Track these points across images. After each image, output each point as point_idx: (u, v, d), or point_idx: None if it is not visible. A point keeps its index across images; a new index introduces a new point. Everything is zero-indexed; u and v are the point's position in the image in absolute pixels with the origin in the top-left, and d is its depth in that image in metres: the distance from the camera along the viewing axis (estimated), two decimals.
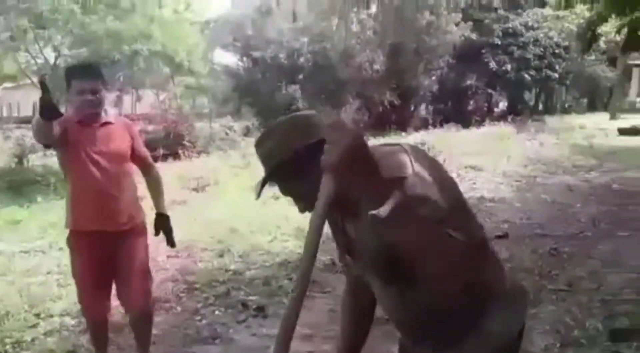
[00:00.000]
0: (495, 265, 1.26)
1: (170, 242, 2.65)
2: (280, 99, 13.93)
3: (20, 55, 13.93)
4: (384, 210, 1.00)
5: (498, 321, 1.20)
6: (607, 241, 4.80)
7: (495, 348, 1.20)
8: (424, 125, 15.76)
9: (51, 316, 3.29)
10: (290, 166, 1.18)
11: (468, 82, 17.74)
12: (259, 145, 1.25)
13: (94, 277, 2.43)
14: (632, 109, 23.17)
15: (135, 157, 2.55)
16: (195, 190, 7.83)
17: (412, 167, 1.07)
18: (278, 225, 5.55)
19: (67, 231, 2.48)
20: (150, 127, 12.11)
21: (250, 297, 3.67)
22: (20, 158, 9.33)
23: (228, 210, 6.42)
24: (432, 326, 1.21)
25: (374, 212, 1.01)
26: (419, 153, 1.14)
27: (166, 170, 8.28)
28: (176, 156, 10.67)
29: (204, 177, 8.16)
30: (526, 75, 17.97)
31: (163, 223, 2.61)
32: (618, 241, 4.79)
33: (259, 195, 1.26)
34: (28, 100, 15.53)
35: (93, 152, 2.36)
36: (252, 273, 4.19)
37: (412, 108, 17.65)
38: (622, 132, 13.68)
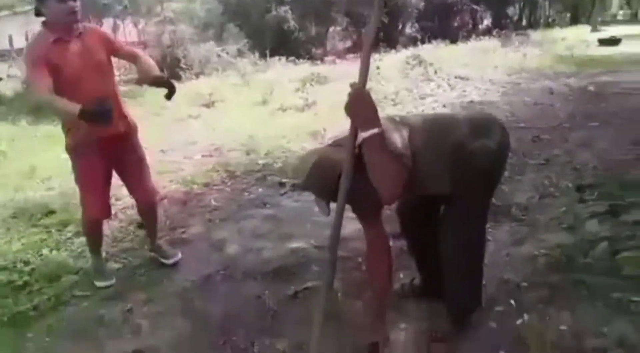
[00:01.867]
0: None
1: (170, 96, 2.53)
2: (271, 20, 14.03)
3: None
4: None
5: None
6: (581, 130, 5.55)
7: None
8: (413, 42, 16.09)
9: None
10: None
11: None
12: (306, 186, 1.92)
13: (101, 180, 2.58)
14: (613, 21, 23.56)
15: (123, 55, 2.61)
16: (206, 105, 8.36)
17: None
18: (291, 130, 6.18)
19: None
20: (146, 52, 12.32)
21: (284, 180, 4.40)
22: None
23: (241, 121, 7.04)
24: None
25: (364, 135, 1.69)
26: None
27: None
28: (177, 78, 11.02)
29: (212, 94, 8.64)
30: None
31: (166, 82, 2.52)
32: (590, 129, 5.55)
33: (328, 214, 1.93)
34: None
35: (79, 68, 2.34)
36: (279, 165, 4.88)
37: (400, 26, 17.85)
38: (602, 42, 14.23)
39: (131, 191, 2.81)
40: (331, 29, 16.45)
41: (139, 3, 13.77)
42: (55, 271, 2.86)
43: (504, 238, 3.05)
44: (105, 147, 2.51)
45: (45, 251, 3.12)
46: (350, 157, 1.74)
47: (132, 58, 2.60)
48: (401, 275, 2.64)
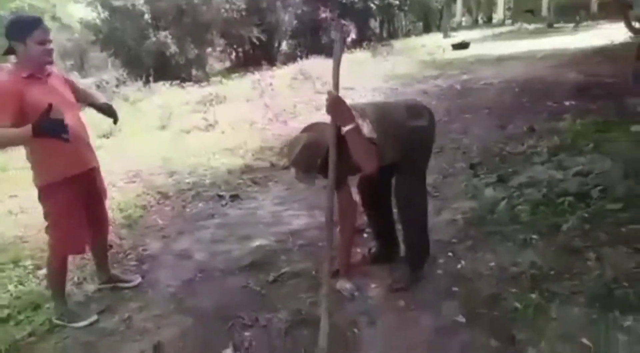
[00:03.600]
0: None
1: (115, 122, 2.82)
2: (151, 46, 13.93)
3: None
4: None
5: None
6: (457, 121, 6.57)
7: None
8: (292, 58, 16.91)
9: None
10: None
11: (322, 14, 19.11)
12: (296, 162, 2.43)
13: (76, 215, 2.60)
14: (459, 28, 26.77)
15: (78, 92, 2.73)
16: (105, 136, 8.21)
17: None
18: (204, 149, 6.43)
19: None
20: None
21: (220, 192, 4.72)
22: None
23: (147, 146, 7.09)
24: None
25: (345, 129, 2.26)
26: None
27: None
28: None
29: (106, 125, 8.47)
30: (371, 4, 19.86)
31: (111, 109, 2.78)
32: (465, 120, 6.59)
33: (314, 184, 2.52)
34: None
35: (56, 103, 2.33)
36: (207, 181, 5.16)
37: (277, 44, 18.65)
38: (455, 46, 16.25)
39: (93, 223, 2.79)
40: (208, 50, 16.68)
41: None
42: (34, 300, 2.92)
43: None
44: (78, 182, 2.58)
45: (10, 287, 3.14)
46: (334, 145, 2.27)
47: (85, 92, 2.81)
48: (358, 250, 3.15)
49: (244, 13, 16.23)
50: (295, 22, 18.53)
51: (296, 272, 3.02)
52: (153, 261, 3.39)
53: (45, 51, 2.44)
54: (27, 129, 2.22)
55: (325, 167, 2.37)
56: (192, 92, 11.94)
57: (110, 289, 3.04)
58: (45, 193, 2.54)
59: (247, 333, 2.46)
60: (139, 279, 3.11)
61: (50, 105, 2.23)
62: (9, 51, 2.48)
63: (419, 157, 2.62)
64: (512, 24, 25.07)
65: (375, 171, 2.41)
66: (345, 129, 2.27)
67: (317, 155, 2.38)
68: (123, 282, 3.07)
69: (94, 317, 2.72)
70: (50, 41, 2.47)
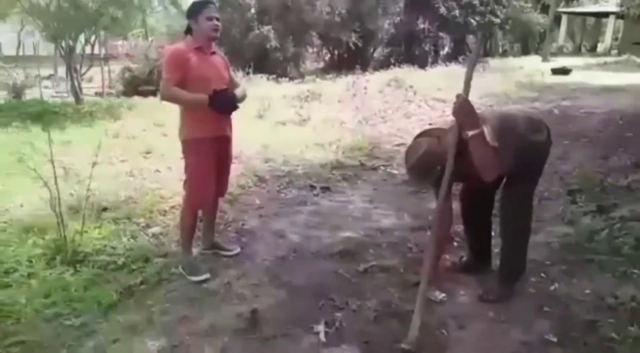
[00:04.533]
0: None
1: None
2: (255, 38, 14.56)
3: None
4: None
5: None
6: (556, 147, 6.29)
7: None
8: (384, 65, 17.00)
9: None
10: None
11: (420, 26, 19.04)
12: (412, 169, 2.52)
13: (210, 174, 2.95)
14: (560, 53, 25.60)
15: (230, 81, 3.05)
16: None
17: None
18: (297, 142, 6.66)
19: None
20: (133, 66, 12.61)
21: (312, 183, 4.90)
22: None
23: (248, 133, 7.39)
24: None
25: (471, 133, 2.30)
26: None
27: (155, 105, 9.06)
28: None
29: None
30: (472, 20, 19.50)
31: (243, 99, 3.04)
32: (564, 146, 6.35)
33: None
34: None
35: (211, 74, 2.84)
36: (300, 172, 5.37)
37: (372, 50, 18.82)
38: (555, 71, 15.60)
39: (217, 186, 3.08)
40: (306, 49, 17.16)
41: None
42: (145, 254, 3.23)
43: None
44: (215, 145, 2.93)
45: (124, 239, 3.48)
46: (453, 151, 2.33)
47: (233, 79, 3.12)
48: (447, 257, 3.19)
49: (345, 17, 16.53)
50: (392, 30, 18.59)
51: (385, 267, 3.12)
52: (251, 236, 3.62)
53: (212, 26, 2.82)
54: (204, 98, 2.75)
55: (440, 174, 2.42)
56: (288, 87, 12.34)
57: (211, 255, 3.29)
58: (189, 146, 2.91)
59: (338, 314, 2.59)
60: (239, 249, 3.35)
61: (226, 89, 2.82)
62: (188, 30, 2.90)
63: (532, 173, 2.62)
64: (619, 54, 23.62)
65: (492, 181, 2.44)
66: (470, 133, 2.31)
67: (437, 163, 2.43)
68: (224, 250, 3.32)
69: (208, 275, 2.98)
70: (217, 18, 2.85)
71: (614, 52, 25.25)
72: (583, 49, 30.15)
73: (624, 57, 21.62)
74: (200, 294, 2.82)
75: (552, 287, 2.87)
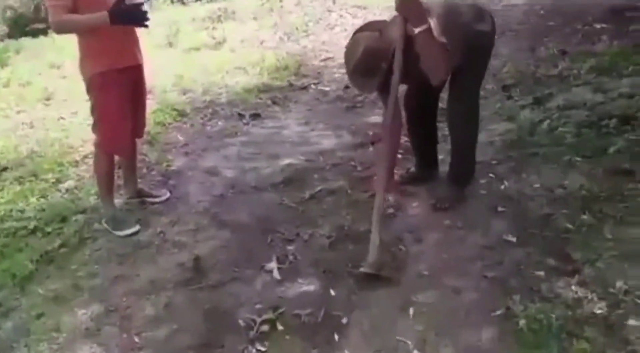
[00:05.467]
0: None
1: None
2: None
3: None
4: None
5: None
6: None
7: None
8: None
9: None
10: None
11: None
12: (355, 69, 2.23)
13: (122, 112, 2.55)
14: None
15: None
16: None
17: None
18: (215, 68, 6.12)
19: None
20: (14, 3, 11.01)
21: (239, 111, 4.52)
22: None
23: (157, 64, 6.71)
24: None
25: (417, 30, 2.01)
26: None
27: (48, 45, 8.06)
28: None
29: None
30: None
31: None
32: None
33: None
34: None
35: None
36: (224, 100, 4.94)
37: None
38: None
39: (133, 125, 2.70)
40: None
41: None
42: (60, 213, 2.83)
43: None
44: (125, 77, 2.51)
45: (32, 199, 3.03)
46: (400, 48, 2.06)
47: None
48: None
49: None
50: None
51: (331, 190, 2.92)
52: (179, 177, 3.27)
53: None
54: (104, 15, 2.25)
55: (387, 74, 2.17)
56: (196, 8, 11.32)
57: (138, 203, 2.94)
58: (95, 83, 2.47)
59: (289, 248, 2.39)
60: (168, 194, 3.01)
61: None
62: None
63: (480, 65, 2.43)
64: None
65: (443, 81, 2.21)
66: (417, 30, 2.03)
67: (381, 60, 2.17)
68: (151, 196, 2.97)
69: (137, 227, 2.65)
70: None
71: None
72: None
73: None
74: (132, 249, 2.51)
75: (502, 186, 2.80)
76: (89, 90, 2.52)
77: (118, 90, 2.49)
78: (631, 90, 3.72)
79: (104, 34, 2.35)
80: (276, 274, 2.22)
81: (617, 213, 2.42)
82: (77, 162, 3.52)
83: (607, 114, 3.40)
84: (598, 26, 6.25)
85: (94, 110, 2.55)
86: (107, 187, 2.70)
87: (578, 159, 2.98)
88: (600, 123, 3.31)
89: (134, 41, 2.58)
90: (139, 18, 2.34)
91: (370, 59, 2.18)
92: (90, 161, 3.44)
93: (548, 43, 5.67)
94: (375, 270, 2.10)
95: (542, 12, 7.63)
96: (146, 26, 2.38)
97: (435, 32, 2.08)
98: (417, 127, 2.73)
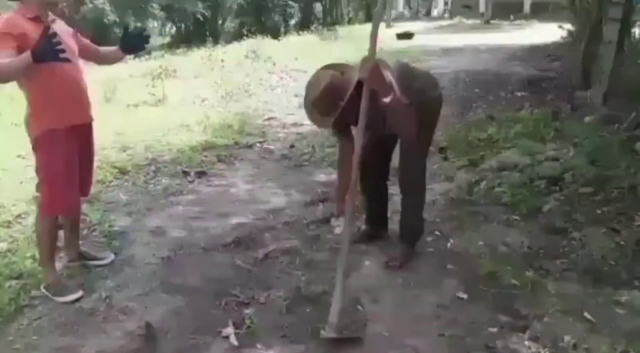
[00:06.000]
0: None
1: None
2: (89, 13, 12.95)
3: None
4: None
5: None
6: None
7: None
8: (237, 36, 16.42)
9: None
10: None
11: None
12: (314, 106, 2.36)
13: (73, 171, 2.44)
14: (401, 18, 27.25)
15: (84, 46, 2.55)
16: None
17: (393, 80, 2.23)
18: (157, 125, 6.04)
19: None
20: None
21: (183, 169, 4.45)
22: None
23: (95, 120, 6.58)
24: None
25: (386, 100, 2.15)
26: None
27: None
28: None
29: None
30: None
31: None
32: None
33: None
34: None
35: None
36: (167, 158, 4.85)
37: (221, 21, 18.03)
38: (399, 36, 16.48)
39: (80, 185, 2.56)
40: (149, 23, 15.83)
41: None
42: None
43: None
44: (74, 136, 2.41)
45: None
46: (365, 110, 2.14)
47: (96, 48, 2.66)
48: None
49: None
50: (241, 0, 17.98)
51: (285, 249, 2.91)
52: (123, 237, 3.13)
53: None
54: (27, 55, 2.07)
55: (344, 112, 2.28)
56: (135, 65, 11.25)
57: (80, 267, 2.77)
58: (42, 142, 2.36)
59: (246, 311, 2.33)
60: (112, 256, 2.87)
61: (47, 27, 2.08)
62: None
63: (429, 131, 2.58)
64: (451, 17, 25.86)
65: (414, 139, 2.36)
66: (386, 100, 2.13)
67: (340, 98, 2.26)
68: (94, 259, 2.81)
69: (80, 293, 2.47)
70: None
71: (447, 15, 27.60)
72: (420, 14, 32.45)
73: (456, 20, 23.77)
74: (76, 317, 2.33)
75: (449, 244, 2.93)
76: (34, 149, 2.40)
77: (66, 150, 2.38)
78: (555, 154, 4.07)
79: (53, 90, 2.29)
80: (233, 340, 2.15)
81: (557, 269, 2.59)
82: (9, 222, 3.28)
83: (537, 175, 3.69)
84: (519, 94, 6.87)
85: (39, 170, 2.42)
86: (48, 249, 2.53)
87: (515, 217, 3.19)
88: (532, 184, 3.58)
89: (85, 97, 2.48)
90: (59, 51, 2.08)
91: (330, 96, 2.28)
92: (25, 221, 3.27)
93: (476, 109, 6.14)
94: (337, 333, 2.08)
95: (467, 80, 8.28)
96: (68, 60, 2.21)
97: (399, 95, 2.19)
98: (369, 183, 2.81)
